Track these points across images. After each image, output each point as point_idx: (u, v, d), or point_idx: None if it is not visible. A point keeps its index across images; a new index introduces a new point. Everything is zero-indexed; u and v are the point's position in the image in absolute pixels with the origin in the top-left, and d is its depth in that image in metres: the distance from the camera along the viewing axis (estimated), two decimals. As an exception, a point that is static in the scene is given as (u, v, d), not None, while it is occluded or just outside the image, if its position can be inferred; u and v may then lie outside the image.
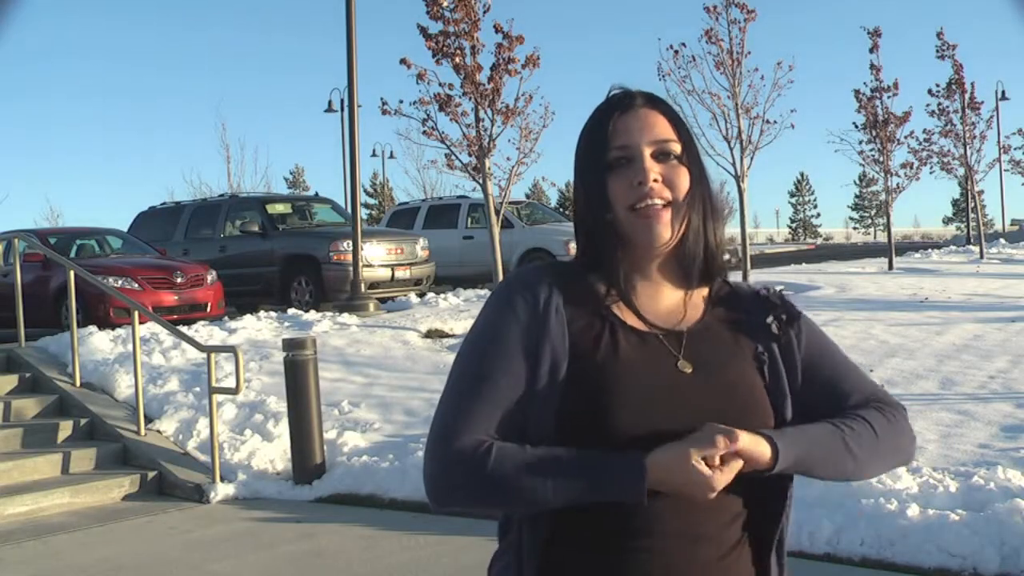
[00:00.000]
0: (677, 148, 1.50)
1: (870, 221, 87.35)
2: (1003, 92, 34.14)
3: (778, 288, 1.63)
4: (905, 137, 18.17)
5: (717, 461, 1.35)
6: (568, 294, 1.49)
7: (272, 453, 7.57)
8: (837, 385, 1.55)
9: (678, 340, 1.50)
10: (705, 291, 1.57)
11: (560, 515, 1.42)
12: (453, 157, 10.97)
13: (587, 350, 1.45)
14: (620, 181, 1.48)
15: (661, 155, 1.49)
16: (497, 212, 10.95)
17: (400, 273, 14.83)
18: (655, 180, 1.47)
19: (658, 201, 1.47)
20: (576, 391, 1.42)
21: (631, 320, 1.49)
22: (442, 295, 13.48)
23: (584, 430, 1.41)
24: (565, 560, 1.44)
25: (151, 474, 7.47)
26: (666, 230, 1.47)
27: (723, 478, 1.36)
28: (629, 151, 1.48)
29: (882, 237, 44.72)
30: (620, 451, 1.38)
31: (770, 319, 1.56)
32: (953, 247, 26.59)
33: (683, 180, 1.49)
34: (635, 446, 1.39)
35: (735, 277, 1.63)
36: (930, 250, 25.10)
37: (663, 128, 1.50)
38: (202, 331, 10.47)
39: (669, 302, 1.53)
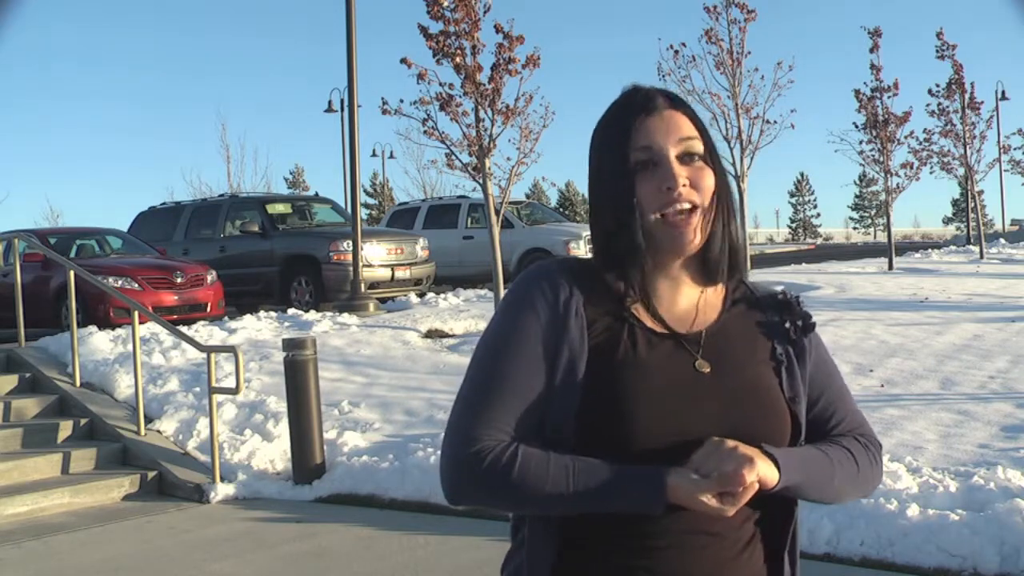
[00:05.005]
0: (700, 147, 1.48)
1: (870, 221, 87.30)
2: (1003, 92, 34.17)
3: (782, 288, 1.63)
4: (905, 137, 18.15)
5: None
6: (588, 294, 1.48)
7: (272, 453, 7.57)
8: (830, 408, 1.56)
9: (696, 340, 1.50)
10: (722, 291, 1.56)
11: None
12: (453, 157, 10.94)
13: (606, 352, 1.44)
14: (647, 186, 1.45)
15: (686, 156, 1.47)
16: (497, 212, 10.94)
17: (400, 273, 14.83)
18: (683, 185, 1.45)
19: (686, 205, 1.45)
20: (595, 393, 1.42)
21: (650, 322, 1.49)
22: (442, 295, 13.49)
23: (603, 431, 1.41)
24: (579, 558, 1.44)
25: (151, 474, 7.48)
26: (695, 235, 1.46)
27: (735, 509, 1.38)
28: (654, 153, 1.45)
29: (882, 237, 44.70)
30: (641, 465, 1.38)
31: (788, 323, 1.56)
32: (953, 247, 26.56)
33: (708, 182, 1.47)
34: (655, 448, 1.39)
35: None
36: (930, 250, 25.07)
37: (687, 128, 1.48)
38: (202, 331, 10.47)
39: (687, 302, 1.52)
